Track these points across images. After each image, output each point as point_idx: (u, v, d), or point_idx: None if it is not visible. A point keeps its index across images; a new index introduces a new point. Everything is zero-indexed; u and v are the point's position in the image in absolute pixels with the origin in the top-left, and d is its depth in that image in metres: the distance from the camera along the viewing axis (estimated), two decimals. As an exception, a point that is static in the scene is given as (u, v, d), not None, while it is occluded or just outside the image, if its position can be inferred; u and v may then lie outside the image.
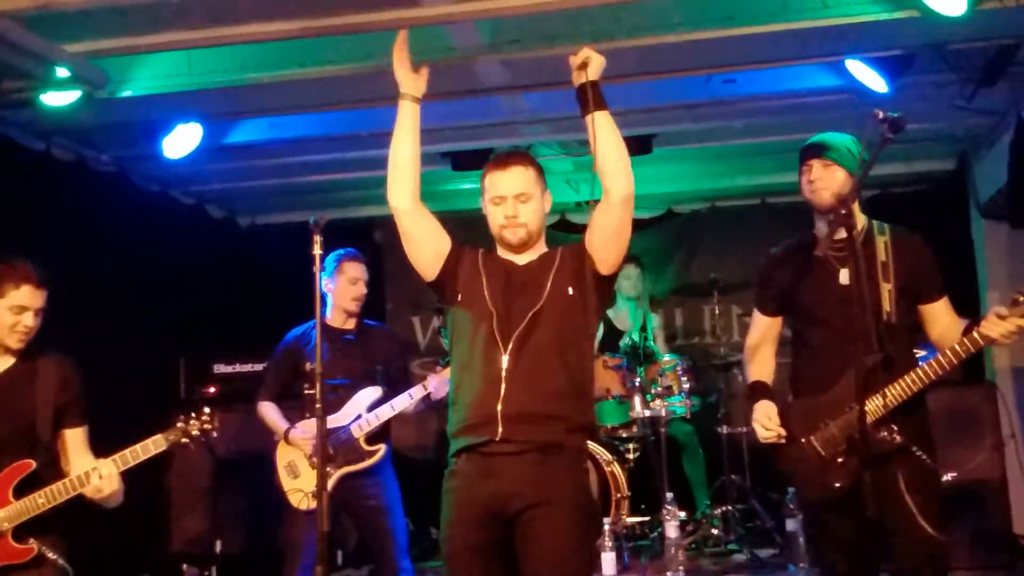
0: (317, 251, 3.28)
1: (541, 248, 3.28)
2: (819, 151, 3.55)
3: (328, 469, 4.49)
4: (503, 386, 2.97)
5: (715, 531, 6.14)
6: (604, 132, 3.11)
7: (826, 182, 3.48)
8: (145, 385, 5.89)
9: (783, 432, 3.42)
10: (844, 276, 3.37)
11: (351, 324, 4.79)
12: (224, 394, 6.26)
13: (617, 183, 3.15)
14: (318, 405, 3.19)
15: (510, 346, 3.01)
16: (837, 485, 3.32)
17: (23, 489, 3.46)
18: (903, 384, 3.24)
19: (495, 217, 3.23)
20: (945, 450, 5.05)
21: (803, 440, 3.40)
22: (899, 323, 3.34)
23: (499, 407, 2.95)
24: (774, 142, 6.46)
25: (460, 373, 3.11)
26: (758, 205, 7.67)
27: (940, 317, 3.42)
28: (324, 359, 4.50)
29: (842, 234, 3.14)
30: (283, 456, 4.65)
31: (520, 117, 5.81)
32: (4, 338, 3.54)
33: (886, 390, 3.23)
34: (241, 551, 5.96)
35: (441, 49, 4.68)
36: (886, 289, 3.35)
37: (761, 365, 3.63)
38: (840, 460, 3.32)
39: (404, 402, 4.61)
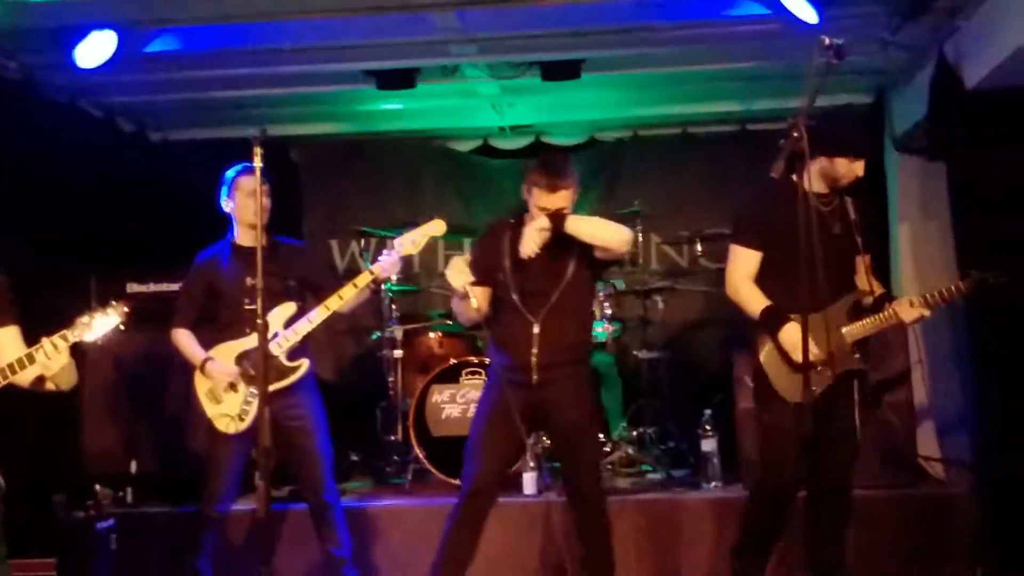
0: (257, 164, 3.18)
1: None
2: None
3: (252, 390, 4.46)
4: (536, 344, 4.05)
5: (631, 452, 6.28)
6: (586, 229, 4.03)
7: None
8: (54, 305, 5.64)
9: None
10: (837, 227, 4.08)
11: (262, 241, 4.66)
12: (138, 313, 6.05)
13: (621, 249, 4.17)
14: (259, 321, 3.15)
15: (541, 316, 4.07)
16: (814, 389, 3.77)
17: None
18: (878, 319, 4.07)
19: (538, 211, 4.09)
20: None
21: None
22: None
23: (534, 359, 4.06)
24: (698, 71, 6.49)
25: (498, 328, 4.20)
26: (679, 135, 7.72)
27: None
28: (235, 279, 4.57)
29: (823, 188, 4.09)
30: (202, 384, 4.58)
31: (451, 36, 5.70)
32: None
33: (867, 321, 4.07)
34: (157, 471, 5.88)
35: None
36: (859, 242, 4.11)
37: (759, 293, 4.13)
38: (818, 369, 3.91)
39: (322, 314, 4.52)
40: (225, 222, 4.78)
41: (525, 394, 4.08)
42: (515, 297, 4.09)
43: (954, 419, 5.84)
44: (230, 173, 4.67)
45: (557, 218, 3.98)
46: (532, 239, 3.97)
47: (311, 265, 4.81)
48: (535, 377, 4.06)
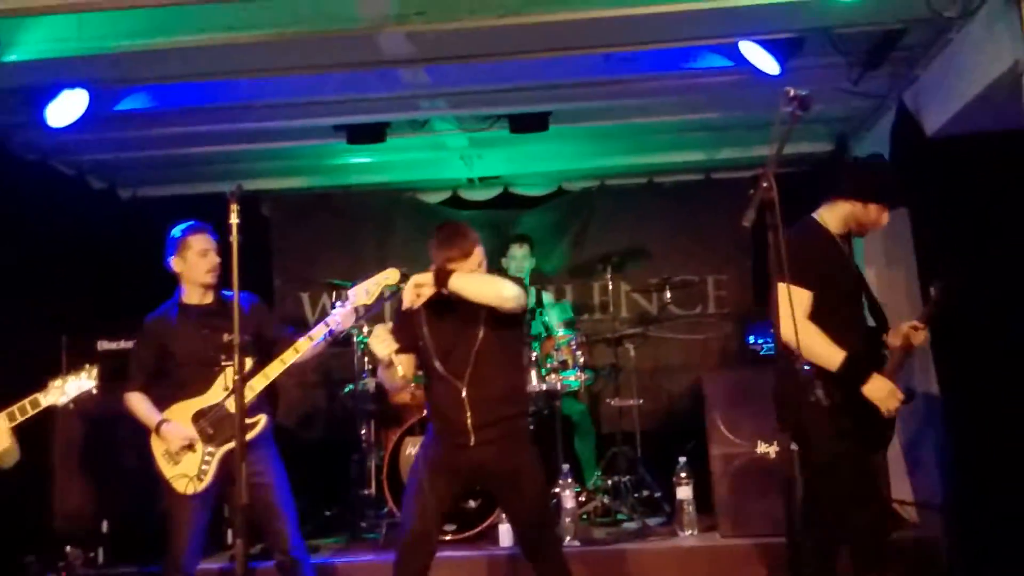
0: (234, 220, 3.19)
1: None
2: None
3: (209, 449, 4.42)
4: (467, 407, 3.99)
5: (605, 501, 6.28)
6: (467, 288, 3.93)
7: None
8: (24, 363, 5.63)
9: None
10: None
11: (209, 298, 4.64)
12: (109, 371, 6.01)
13: (505, 305, 3.96)
14: (236, 376, 3.15)
15: (465, 378, 4.01)
16: (889, 435, 4.07)
17: None
18: (900, 353, 4.08)
19: None
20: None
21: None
22: None
23: (468, 422, 3.99)
24: (664, 122, 6.62)
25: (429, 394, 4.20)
26: (645, 184, 7.83)
27: None
28: (188, 338, 4.52)
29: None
30: (159, 446, 4.48)
31: (420, 91, 5.79)
32: None
33: (894, 358, 4.07)
34: (128, 531, 5.80)
35: (345, 19, 4.63)
36: None
37: (827, 338, 3.92)
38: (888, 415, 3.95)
39: (277, 368, 4.44)
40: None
41: (465, 455, 4.03)
42: (437, 364, 4.05)
43: (925, 463, 5.90)
44: (176, 232, 4.61)
45: (441, 275, 3.94)
46: (411, 292, 3.94)
47: (263, 319, 4.74)
48: (473, 439, 4.00)
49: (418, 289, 3.94)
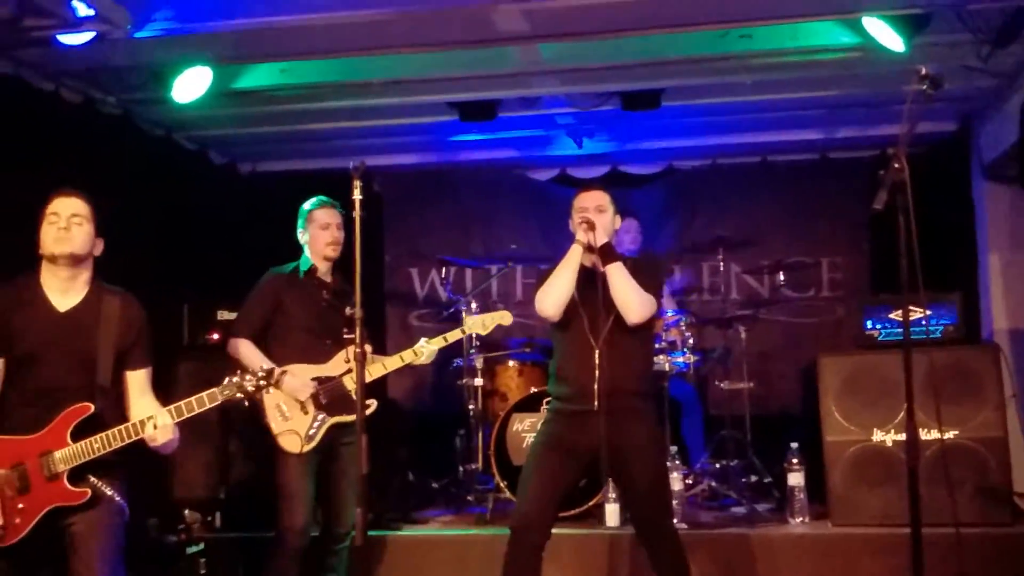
0: (357, 196, 3.25)
1: None
2: None
3: (321, 416, 4.52)
4: (598, 369, 3.99)
5: (713, 484, 6.21)
6: (615, 281, 4.03)
7: None
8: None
9: None
10: None
11: (330, 277, 4.78)
12: (227, 340, 6.22)
13: (630, 316, 4.05)
14: (358, 349, 3.21)
15: (601, 340, 4.01)
16: None
17: (83, 431, 3.47)
18: None
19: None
20: (948, 408, 5.20)
21: None
22: None
23: (596, 385, 3.98)
24: (778, 100, 6.47)
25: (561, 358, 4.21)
26: (758, 163, 7.68)
27: None
28: (308, 305, 4.66)
29: None
30: (271, 398, 4.51)
31: (532, 68, 5.77)
32: (51, 248, 3.54)
33: None
34: (245, 497, 5.96)
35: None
36: None
37: None
38: None
39: (395, 363, 4.69)
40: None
41: (585, 428, 3.98)
42: (582, 311, 4.08)
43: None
44: (306, 206, 4.77)
45: (607, 253, 4.08)
46: (582, 224, 4.12)
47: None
48: (596, 404, 3.96)
49: (586, 225, 4.11)
